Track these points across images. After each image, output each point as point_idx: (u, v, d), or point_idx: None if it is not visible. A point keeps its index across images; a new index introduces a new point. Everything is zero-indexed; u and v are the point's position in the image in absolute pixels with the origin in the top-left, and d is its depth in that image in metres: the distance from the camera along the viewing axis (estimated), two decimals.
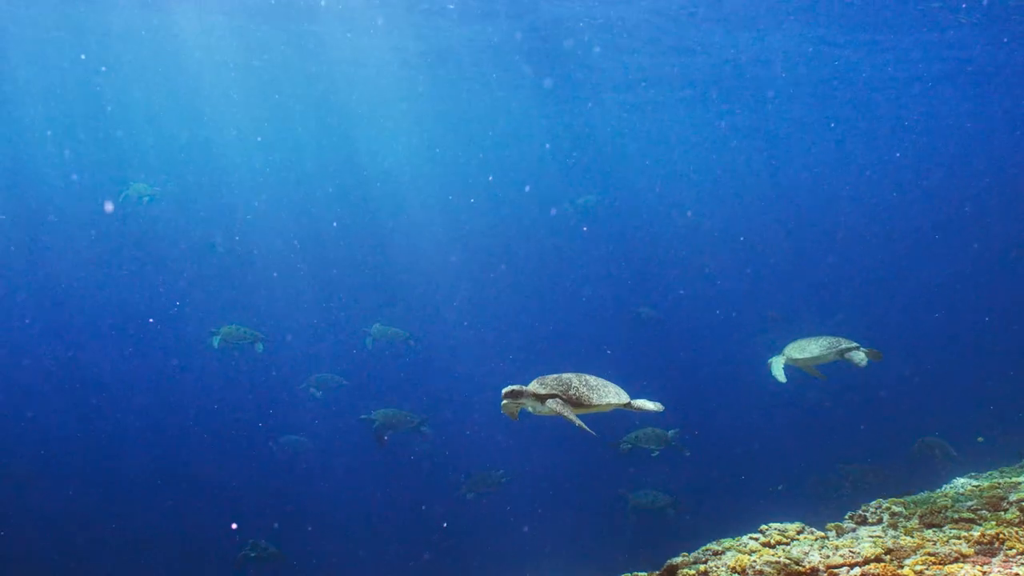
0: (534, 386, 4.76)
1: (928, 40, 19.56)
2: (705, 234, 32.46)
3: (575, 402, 4.67)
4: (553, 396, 4.67)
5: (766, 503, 14.21)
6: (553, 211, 23.69)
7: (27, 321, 26.37)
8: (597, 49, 20.27)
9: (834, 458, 16.41)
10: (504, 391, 4.71)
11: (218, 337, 14.30)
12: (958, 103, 25.91)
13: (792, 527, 5.41)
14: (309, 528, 16.70)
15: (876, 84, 23.60)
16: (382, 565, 15.34)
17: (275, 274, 28.27)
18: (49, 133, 29.38)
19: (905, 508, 5.49)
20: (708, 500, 15.11)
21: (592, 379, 4.86)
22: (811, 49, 20.40)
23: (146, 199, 17.25)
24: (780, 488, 15.36)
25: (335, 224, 33.08)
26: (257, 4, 17.65)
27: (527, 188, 32.58)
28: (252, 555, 12.51)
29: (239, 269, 28.82)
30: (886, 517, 5.43)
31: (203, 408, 22.27)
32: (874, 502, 5.71)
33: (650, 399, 5.08)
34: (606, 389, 4.81)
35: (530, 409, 4.80)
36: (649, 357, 23.07)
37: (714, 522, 13.61)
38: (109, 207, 23.05)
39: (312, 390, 16.27)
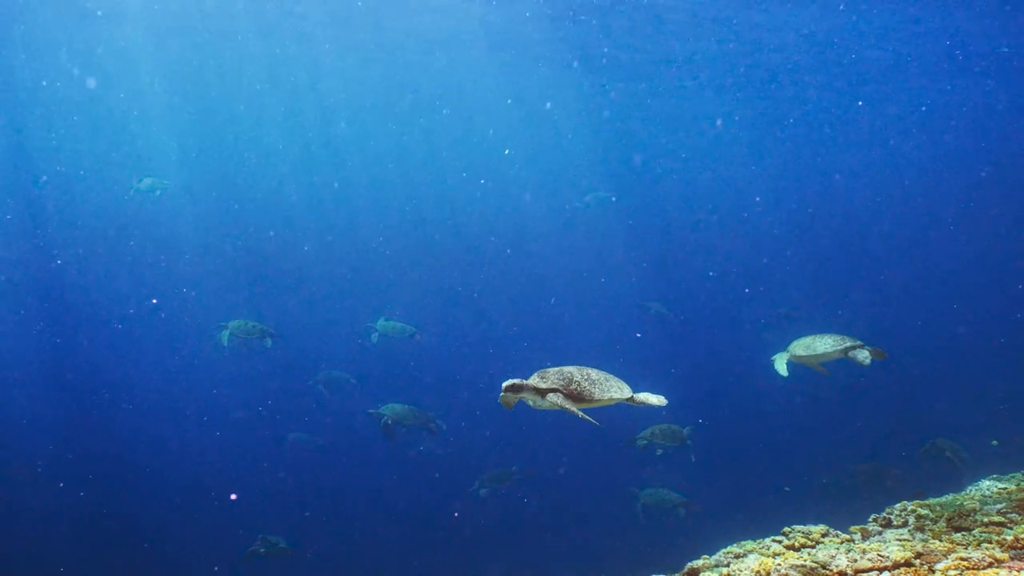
0: (535, 380, 4.63)
1: (954, 26, 19.06)
2: (718, 227, 32.06)
3: (576, 397, 4.55)
4: (554, 390, 4.56)
5: (775, 504, 14.11)
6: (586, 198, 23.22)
7: (24, 315, 26.25)
8: (627, 32, 19.96)
9: (842, 458, 16.25)
10: (504, 385, 4.59)
11: (227, 332, 14.14)
12: (981, 91, 25.22)
13: (816, 529, 5.32)
14: (307, 513, 16.63)
15: (893, 70, 23.04)
16: (393, 558, 15.29)
17: (288, 268, 28.19)
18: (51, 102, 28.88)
19: (931, 511, 5.39)
20: (715, 499, 14.95)
21: (594, 373, 4.74)
22: (831, 34, 19.98)
23: (158, 192, 17.20)
24: (787, 490, 15.19)
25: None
26: None
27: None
28: (261, 551, 12.45)
29: (251, 264, 28.73)
30: (912, 520, 5.33)
31: (209, 403, 22.17)
32: (898, 504, 5.61)
33: (653, 392, 4.95)
34: (608, 383, 4.70)
35: (530, 403, 4.67)
36: (658, 352, 22.93)
37: (723, 522, 13.53)
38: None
39: (320, 387, 16.19)
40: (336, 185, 35.98)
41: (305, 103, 29.53)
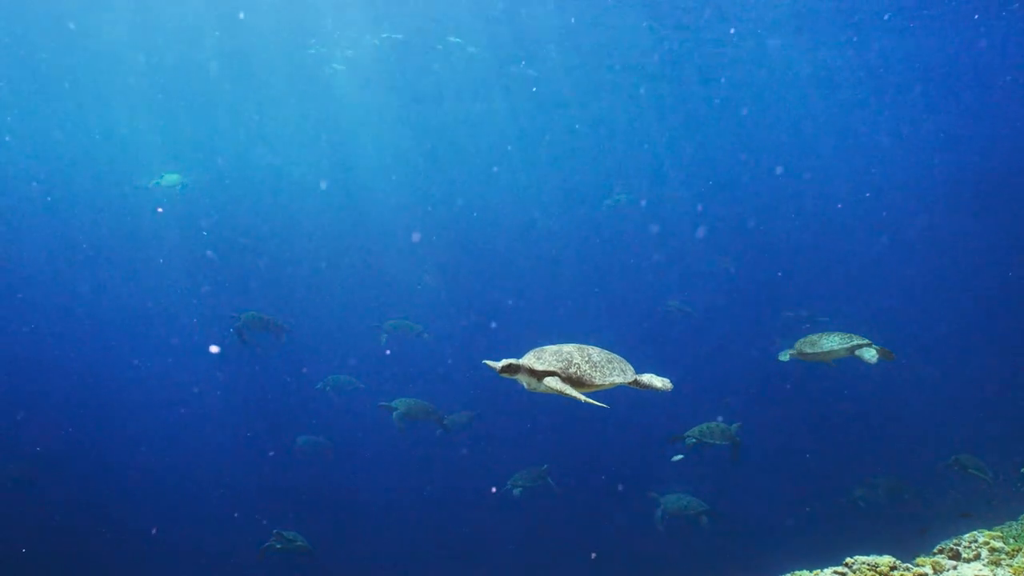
0: (530, 359, 4.21)
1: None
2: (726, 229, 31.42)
3: (576, 381, 4.15)
4: (551, 374, 4.15)
5: (806, 520, 13.81)
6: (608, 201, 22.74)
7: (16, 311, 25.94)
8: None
9: (862, 472, 15.83)
10: (499, 365, 4.19)
11: (239, 323, 13.73)
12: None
13: (883, 561, 5.04)
14: (322, 513, 16.43)
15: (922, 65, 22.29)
16: (406, 563, 15.12)
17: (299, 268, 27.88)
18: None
19: (1004, 543, 5.11)
20: (740, 512, 14.60)
21: (596, 353, 4.33)
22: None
23: (178, 188, 17.01)
24: (808, 510, 14.76)
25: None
26: None
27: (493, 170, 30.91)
28: (277, 547, 12.16)
29: (257, 263, 28.39)
30: (984, 553, 5.06)
31: (216, 405, 21.84)
32: (967, 535, 5.34)
33: (658, 374, 4.59)
34: (611, 366, 4.31)
35: (525, 386, 4.26)
36: (672, 355, 22.58)
37: (751, 538, 13.23)
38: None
39: (328, 390, 16.12)
40: (345, 188, 35.49)
41: (315, 104, 28.86)
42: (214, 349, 19.34)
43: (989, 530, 5.53)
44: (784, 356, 7.76)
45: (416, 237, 30.11)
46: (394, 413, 13.24)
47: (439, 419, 14.08)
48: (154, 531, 15.21)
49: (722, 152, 33.17)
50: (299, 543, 12.10)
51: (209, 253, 27.58)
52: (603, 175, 32.28)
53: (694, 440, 11.02)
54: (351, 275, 29.46)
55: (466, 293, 27.75)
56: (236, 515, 15.66)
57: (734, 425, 11.15)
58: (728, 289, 26.80)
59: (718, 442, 11.02)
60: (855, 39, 20.37)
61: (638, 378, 4.45)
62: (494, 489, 13.61)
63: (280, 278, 27.86)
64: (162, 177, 17.03)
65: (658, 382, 4.52)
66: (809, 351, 7.38)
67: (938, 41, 20.51)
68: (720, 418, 11.45)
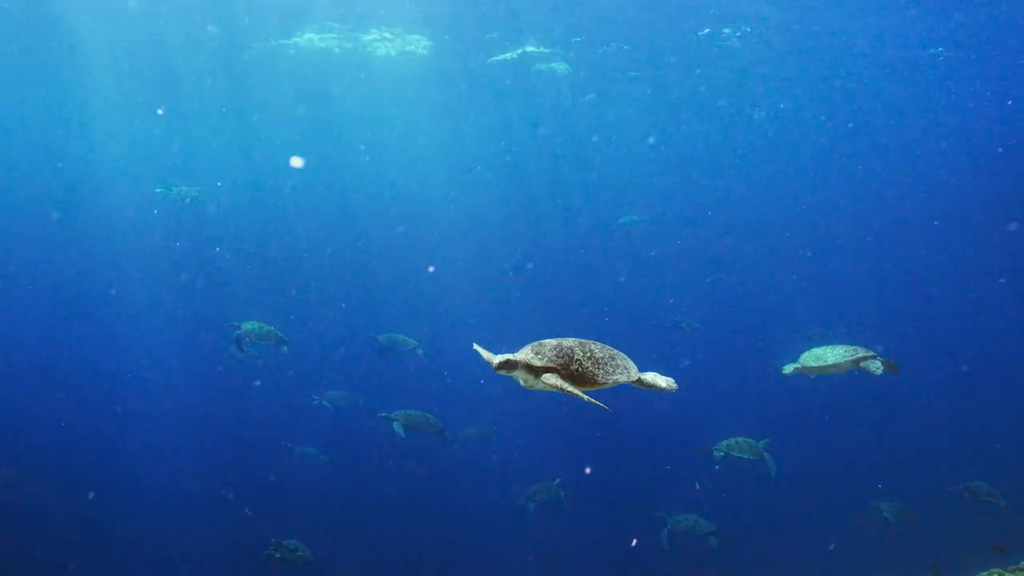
0: (528, 354, 3.97)
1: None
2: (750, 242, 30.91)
3: (577, 379, 3.94)
4: (551, 370, 3.93)
5: (815, 544, 13.58)
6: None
7: (26, 316, 25.78)
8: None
9: (866, 494, 15.61)
10: (496, 362, 3.98)
11: (239, 333, 13.53)
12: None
13: None
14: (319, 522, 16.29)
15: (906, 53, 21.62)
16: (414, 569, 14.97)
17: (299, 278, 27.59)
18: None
19: None
20: (745, 534, 14.38)
21: (598, 349, 4.09)
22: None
23: (188, 200, 16.96)
24: (832, 547, 14.46)
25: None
26: None
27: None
28: (276, 556, 11.92)
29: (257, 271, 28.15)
30: None
31: (213, 412, 21.65)
32: (995, 571, 5.18)
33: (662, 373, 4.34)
34: (613, 363, 4.08)
35: (521, 383, 4.05)
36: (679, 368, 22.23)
37: (764, 563, 12.99)
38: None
39: (326, 403, 16.05)
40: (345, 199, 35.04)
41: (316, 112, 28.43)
42: None
43: (1009, 572, 5.37)
44: (788, 369, 7.70)
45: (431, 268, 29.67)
46: (394, 424, 13.22)
47: (440, 431, 14.01)
48: (90, 495, 15.07)
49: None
50: (300, 553, 11.84)
51: (246, 247, 27.29)
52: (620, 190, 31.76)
53: (722, 454, 11.00)
54: (353, 285, 29.28)
55: (469, 301, 27.59)
56: (247, 511, 15.57)
57: (762, 441, 11.11)
58: (737, 304, 26.58)
59: (745, 456, 10.99)
60: None
61: (642, 377, 4.26)
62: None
63: (280, 287, 27.67)
64: (171, 188, 16.98)
65: (662, 381, 4.31)
66: (813, 365, 7.34)
67: None
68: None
